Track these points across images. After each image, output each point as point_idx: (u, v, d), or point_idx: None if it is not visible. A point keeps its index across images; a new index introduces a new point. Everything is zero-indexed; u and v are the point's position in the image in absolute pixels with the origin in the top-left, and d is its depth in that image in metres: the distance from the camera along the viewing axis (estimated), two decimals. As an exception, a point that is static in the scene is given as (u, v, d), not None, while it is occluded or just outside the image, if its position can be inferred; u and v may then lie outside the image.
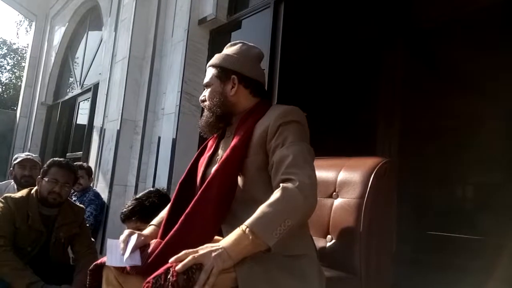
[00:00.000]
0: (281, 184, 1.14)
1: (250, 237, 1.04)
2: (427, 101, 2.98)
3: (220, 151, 1.38)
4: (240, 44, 1.44)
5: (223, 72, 1.39)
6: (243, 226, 1.06)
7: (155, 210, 1.76)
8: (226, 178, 1.24)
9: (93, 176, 3.80)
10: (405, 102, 3.23)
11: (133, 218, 1.90)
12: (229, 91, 1.37)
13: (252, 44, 1.46)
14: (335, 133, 3.16)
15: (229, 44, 1.48)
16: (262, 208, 1.09)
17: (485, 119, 2.66)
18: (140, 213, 1.90)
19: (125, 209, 1.97)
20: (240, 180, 1.26)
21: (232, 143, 1.28)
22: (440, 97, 2.85)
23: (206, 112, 1.41)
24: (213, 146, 1.43)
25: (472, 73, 2.73)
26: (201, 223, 1.19)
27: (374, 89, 3.40)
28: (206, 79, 1.43)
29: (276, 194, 1.12)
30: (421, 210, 2.84)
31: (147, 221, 1.69)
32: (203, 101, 1.43)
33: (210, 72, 1.42)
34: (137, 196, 2.09)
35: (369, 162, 1.47)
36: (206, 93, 1.42)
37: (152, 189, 2.18)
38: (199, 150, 1.50)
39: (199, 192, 1.23)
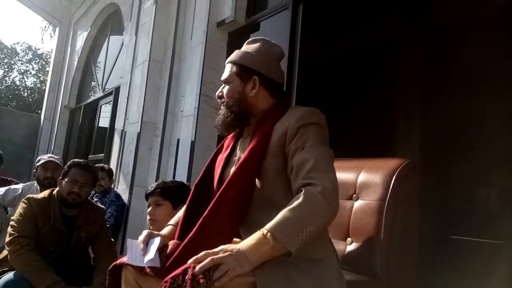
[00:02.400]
0: (303, 188, 1.11)
1: (271, 243, 1.02)
2: (448, 102, 2.91)
3: (238, 152, 1.36)
4: (261, 42, 1.40)
5: (244, 71, 1.35)
6: (264, 230, 1.04)
7: (176, 190, 2.01)
8: (244, 181, 1.22)
9: (114, 177, 3.86)
10: (425, 103, 3.16)
11: (156, 192, 2.03)
12: (249, 92, 1.34)
13: (273, 42, 1.43)
14: (354, 135, 3.11)
15: (250, 40, 1.44)
16: (284, 213, 1.07)
17: (509, 120, 2.58)
18: (162, 189, 2.03)
19: (150, 185, 2.13)
20: (258, 182, 1.24)
21: (251, 145, 1.26)
22: (461, 97, 2.78)
23: (223, 110, 1.37)
24: (230, 146, 1.41)
25: (494, 73, 2.65)
26: (219, 226, 1.17)
27: (393, 90, 3.34)
28: (225, 75, 1.39)
29: (299, 198, 1.09)
30: (444, 213, 2.76)
31: (166, 197, 1.99)
32: (220, 97, 1.40)
33: (230, 68, 1.38)
34: (163, 180, 2.28)
35: (391, 164, 1.43)
36: (224, 89, 1.38)
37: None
38: (216, 150, 1.49)
39: (217, 195, 1.22)
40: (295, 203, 1.08)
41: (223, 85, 1.40)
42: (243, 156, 1.25)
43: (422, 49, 3.25)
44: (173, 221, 1.43)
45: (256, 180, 1.24)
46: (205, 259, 0.98)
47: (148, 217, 2.02)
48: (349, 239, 1.44)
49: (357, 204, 1.45)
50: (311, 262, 1.12)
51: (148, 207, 2.04)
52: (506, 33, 2.58)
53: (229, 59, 1.41)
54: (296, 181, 1.16)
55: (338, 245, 1.43)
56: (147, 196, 2.07)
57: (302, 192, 1.10)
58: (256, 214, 1.22)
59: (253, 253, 1.01)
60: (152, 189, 2.04)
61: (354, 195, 1.47)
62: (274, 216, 1.07)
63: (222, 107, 1.39)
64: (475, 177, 2.77)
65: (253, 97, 1.35)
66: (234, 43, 3.48)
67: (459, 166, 2.78)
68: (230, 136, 1.46)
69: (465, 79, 2.81)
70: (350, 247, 1.43)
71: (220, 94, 1.40)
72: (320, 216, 1.09)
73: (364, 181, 1.46)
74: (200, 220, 1.18)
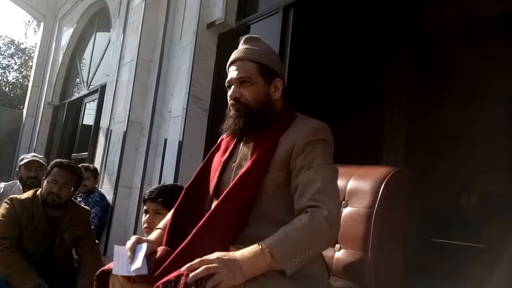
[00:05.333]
0: (308, 209, 1.08)
1: (268, 259, 1.00)
2: (434, 109, 2.96)
3: (237, 157, 1.28)
4: (262, 41, 1.33)
5: (268, 71, 1.27)
6: (262, 245, 1.01)
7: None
8: (245, 195, 1.16)
9: (98, 177, 3.80)
10: (411, 109, 3.21)
11: (158, 200, 1.88)
12: (273, 94, 1.28)
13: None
14: (340, 140, 3.13)
15: (248, 37, 1.34)
16: (285, 231, 1.04)
17: (492, 128, 2.63)
18: (165, 197, 1.87)
19: (151, 189, 1.96)
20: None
21: (254, 156, 1.19)
22: (447, 105, 2.83)
23: (239, 112, 1.25)
24: (229, 150, 1.32)
25: (480, 81, 2.70)
26: (214, 239, 1.12)
27: (380, 97, 3.38)
28: (244, 73, 1.25)
29: (304, 219, 1.06)
30: (429, 218, 2.81)
31: (168, 207, 1.76)
32: (237, 98, 1.25)
33: (250, 67, 1.26)
34: (163, 184, 2.14)
35: (380, 171, 1.44)
36: (243, 90, 1.25)
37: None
38: (210, 152, 1.41)
39: (214, 206, 1.16)
40: (299, 223, 1.06)
41: (236, 85, 1.27)
42: (245, 167, 1.19)
43: (410, 55, 3.29)
44: (161, 224, 1.36)
45: None
46: (199, 267, 0.96)
47: (145, 225, 1.87)
48: (337, 246, 1.45)
49: (346, 211, 1.46)
50: (304, 276, 1.09)
51: (146, 213, 1.90)
52: (495, 40, 2.63)
53: (245, 55, 1.28)
54: (301, 201, 1.12)
55: (327, 252, 1.44)
56: (145, 201, 1.93)
57: (308, 214, 1.07)
58: (251, 228, 1.17)
59: (248, 266, 0.99)
60: (153, 195, 1.89)
61: (343, 202, 1.48)
62: (269, 231, 1.05)
63: (233, 109, 1.27)
64: (458, 183, 2.82)
65: (277, 100, 1.30)
66: (223, 45, 3.47)
67: (442, 172, 2.83)
68: (227, 137, 1.39)
69: (452, 86, 2.86)
70: (339, 254, 1.44)
71: (237, 95, 1.26)
72: (322, 242, 1.08)
73: (353, 188, 1.47)
74: (194, 230, 1.13)
